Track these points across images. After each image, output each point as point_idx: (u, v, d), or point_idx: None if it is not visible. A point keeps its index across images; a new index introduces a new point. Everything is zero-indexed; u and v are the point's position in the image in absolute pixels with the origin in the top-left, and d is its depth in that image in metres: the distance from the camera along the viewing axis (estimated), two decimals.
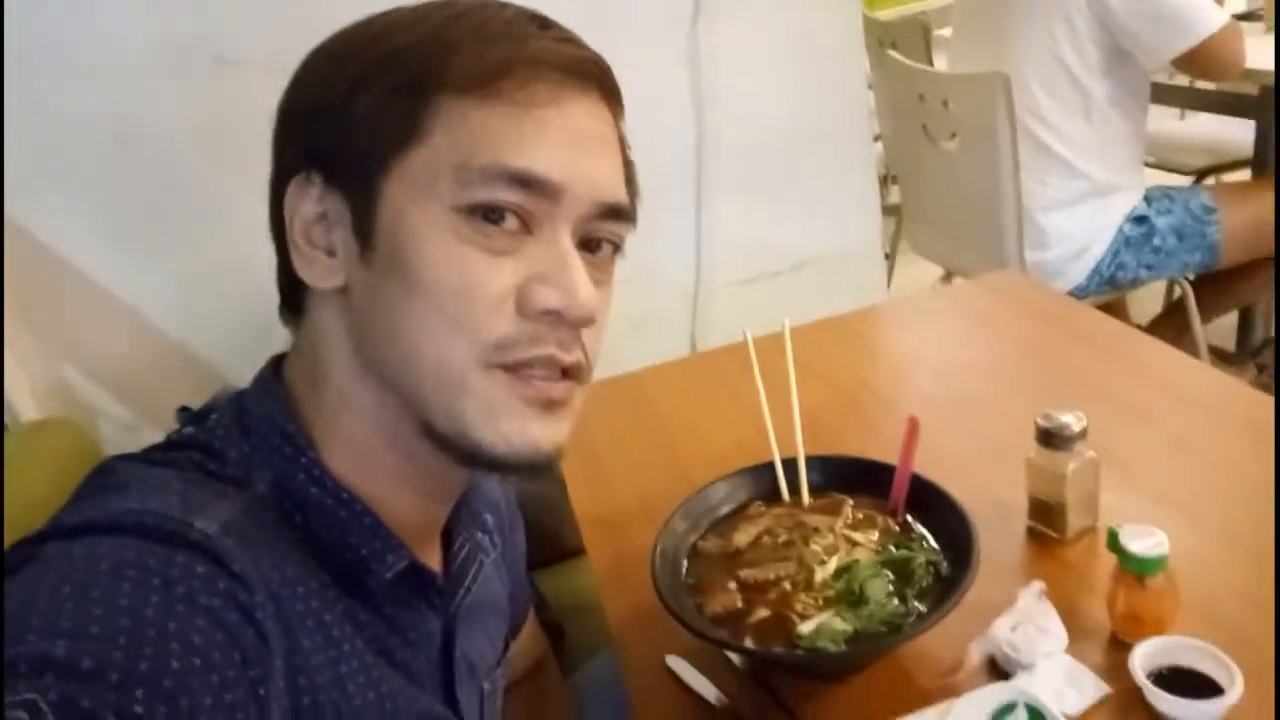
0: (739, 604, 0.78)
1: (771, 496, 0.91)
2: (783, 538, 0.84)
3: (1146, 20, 1.82)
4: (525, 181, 0.53)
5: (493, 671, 0.75)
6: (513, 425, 0.55)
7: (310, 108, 0.57)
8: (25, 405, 1.28)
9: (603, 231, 0.59)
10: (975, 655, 0.75)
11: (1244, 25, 1.92)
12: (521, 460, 0.56)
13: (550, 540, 1.33)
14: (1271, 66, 1.93)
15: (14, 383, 1.27)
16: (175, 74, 1.33)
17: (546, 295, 0.54)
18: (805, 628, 0.74)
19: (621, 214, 0.59)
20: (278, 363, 0.63)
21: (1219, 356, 2.37)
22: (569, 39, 0.58)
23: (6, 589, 0.44)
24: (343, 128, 0.55)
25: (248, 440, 0.58)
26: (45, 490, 1.01)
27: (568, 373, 0.57)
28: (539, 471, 0.57)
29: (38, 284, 1.37)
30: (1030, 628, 0.75)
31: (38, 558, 0.46)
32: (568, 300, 0.54)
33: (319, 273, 0.57)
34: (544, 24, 0.58)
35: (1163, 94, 2.54)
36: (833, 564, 0.80)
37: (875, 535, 0.83)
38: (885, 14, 3.79)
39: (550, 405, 0.56)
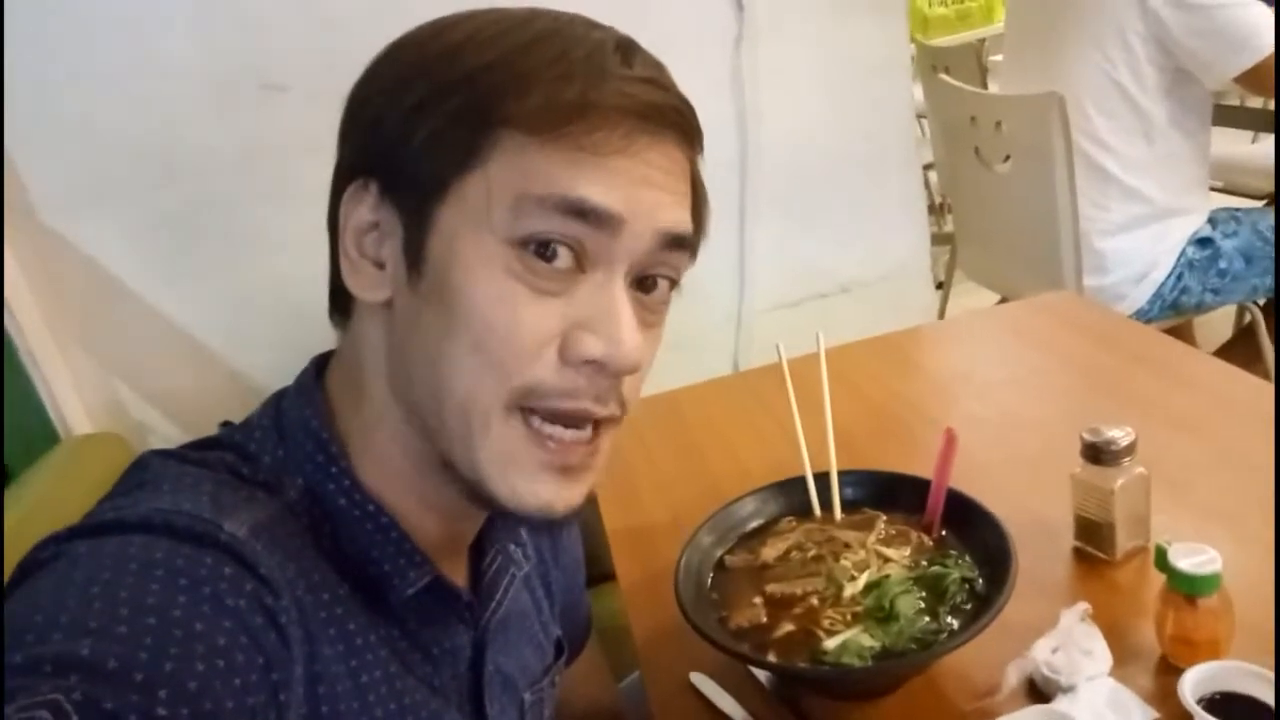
0: (764, 619, 0.76)
1: (802, 512, 0.88)
2: (812, 552, 0.82)
3: (1206, 38, 1.77)
4: (583, 212, 0.51)
5: (537, 682, 0.74)
6: (525, 484, 0.53)
7: (376, 114, 0.55)
8: (78, 419, 1.32)
9: (661, 265, 0.56)
10: (1013, 677, 0.72)
11: None
12: (532, 518, 0.54)
13: (586, 562, 1.31)
14: None
15: (66, 396, 1.31)
16: (222, 99, 1.37)
17: (591, 344, 0.52)
18: (831, 643, 0.71)
19: (684, 243, 0.56)
20: (321, 362, 0.62)
21: None
22: (651, 78, 0.54)
23: (33, 584, 0.44)
24: (404, 144, 0.53)
25: (282, 444, 0.58)
26: (88, 501, 1.03)
27: (599, 423, 0.55)
28: (551, 527, 0.56)
29: (90, 301, 1.41)
30: (1073, 649, 0.71)
31: (67, 554, 0.46)
32: (612, 350, 0.52)
33: (365, 284, 0.56)
34: (627, 56, 0.54)
35: (1233, 116, 2.46)
36: (863, 580, 0.77)
37: (908, 551, 0.80)
38: (940, 41, 3.76)
39: (566, 470, 0.54)
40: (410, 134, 0.52)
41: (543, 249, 0.51)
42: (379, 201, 0.55)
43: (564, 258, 0.52)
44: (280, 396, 0.61)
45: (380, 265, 0.56)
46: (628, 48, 0.54)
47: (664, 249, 0.55)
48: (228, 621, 0.44)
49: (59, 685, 0.38)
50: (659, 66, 0.56)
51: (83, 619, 0.41)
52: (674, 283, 0.58)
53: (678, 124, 0.55)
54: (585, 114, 0.51)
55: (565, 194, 0.50)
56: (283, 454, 0.57)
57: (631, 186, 0.52)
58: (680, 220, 0.55)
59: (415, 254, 0.53)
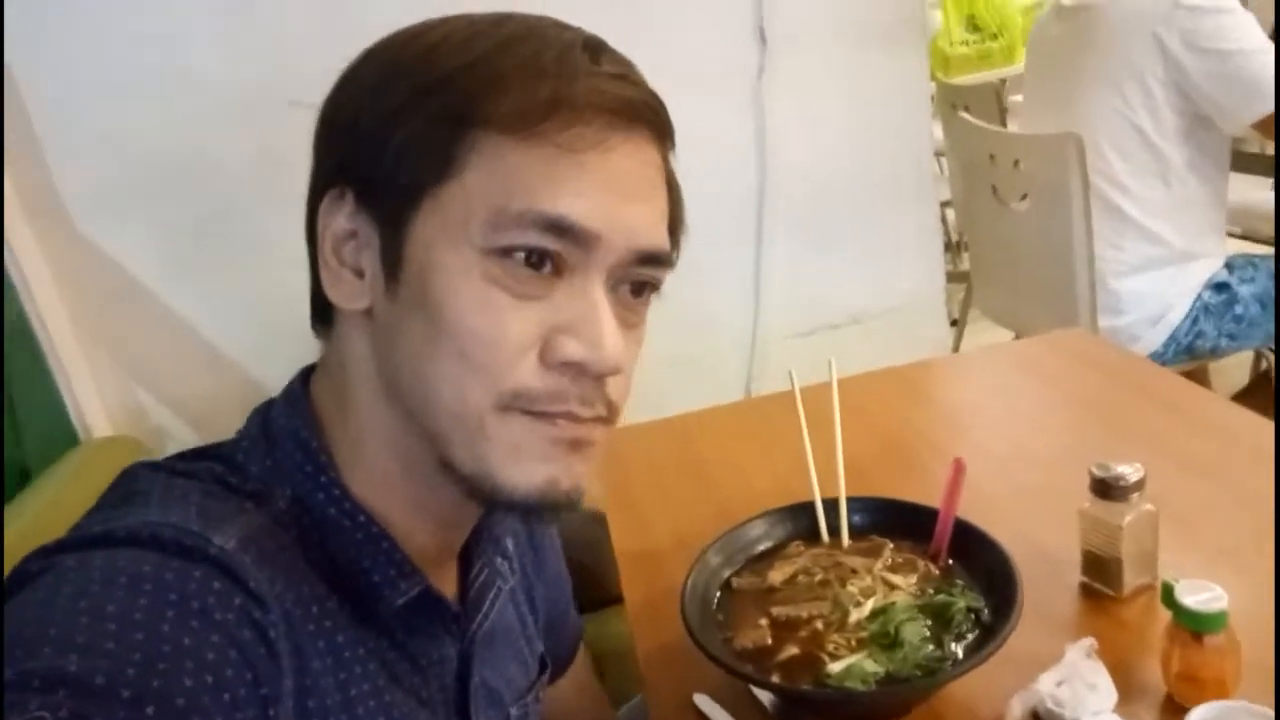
0: (768, 640, 0.76)
1: (810, 537, 0.89)
2: (819, 577, 0.82)
3: (1225, 84, 1.78)
4: (561, 229, 0.51)
5: (522, 698, 0.74)
6: (535, 466, 0.54)
7: (350, 122, 0.55)
8: (98, 422, 1.33)
9: (639, 275, 0.57)
10: (1017, 709, 0.71)
11: None
12: (541, 501, 0.54)
13: (594, 585, 1.31)
14: None
15: (88, 400, 1.33)
16: (252, 114, 1.40)
17: (571, 347, 0.52)
18: (835, 667, 0.71)
19: (660, 259, 0.57)
20: (308, 374, 0.62)
21: None
22: (621, 75, 0.55)
23: (22, 597, 0.44)
24: (379, 152, 0.53)
25: (270, 454, 0.58)
26: None
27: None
28: (558, 513, 0.56)
29: (116, 307, 1.44)
30: (1077, 683, 0.71)
31: (55, 568, 0.45)
32: (593, 353, 0.52)
33: (345, 293, 0.56)
34: (596, 54, 0.55)
35: (1253, 163, 2.46)
36: (868, 606, 0.77)
37: (914, 579, 0.80)
38: (961, 79, 3.78)
39: (576, 444, 0.55)
40: (385, 140, 0.53)
41: (521, 255, 0.52)
42: (356, 210, 0.55)
43: (542, 264, 0.52)
44: (268, 406, 0.61)
45: (360, 274, 0.56)
46: (596, 47, 0.55)
47: (641, 264, 0.56)
48: (216, 636, 0.44)
49: (46, 702, 0.38)
50: (628, 64, 0.56)
51: (70, 634, 0.41)
52: (654, 287, 0.59)
53: (650, 120, 0.56)
54: (559, 111, 0.51)
55: (544, 211, 0.51)
56: (271, 464, 0.57)
57: (607, 195, 0.53)
58: (656, 237, 0.56)
59: (393, 263, 0.54)
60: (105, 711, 0.39)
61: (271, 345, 1.49)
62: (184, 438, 1.50)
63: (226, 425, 0.67)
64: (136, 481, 0.55)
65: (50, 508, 1.08)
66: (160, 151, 1.39)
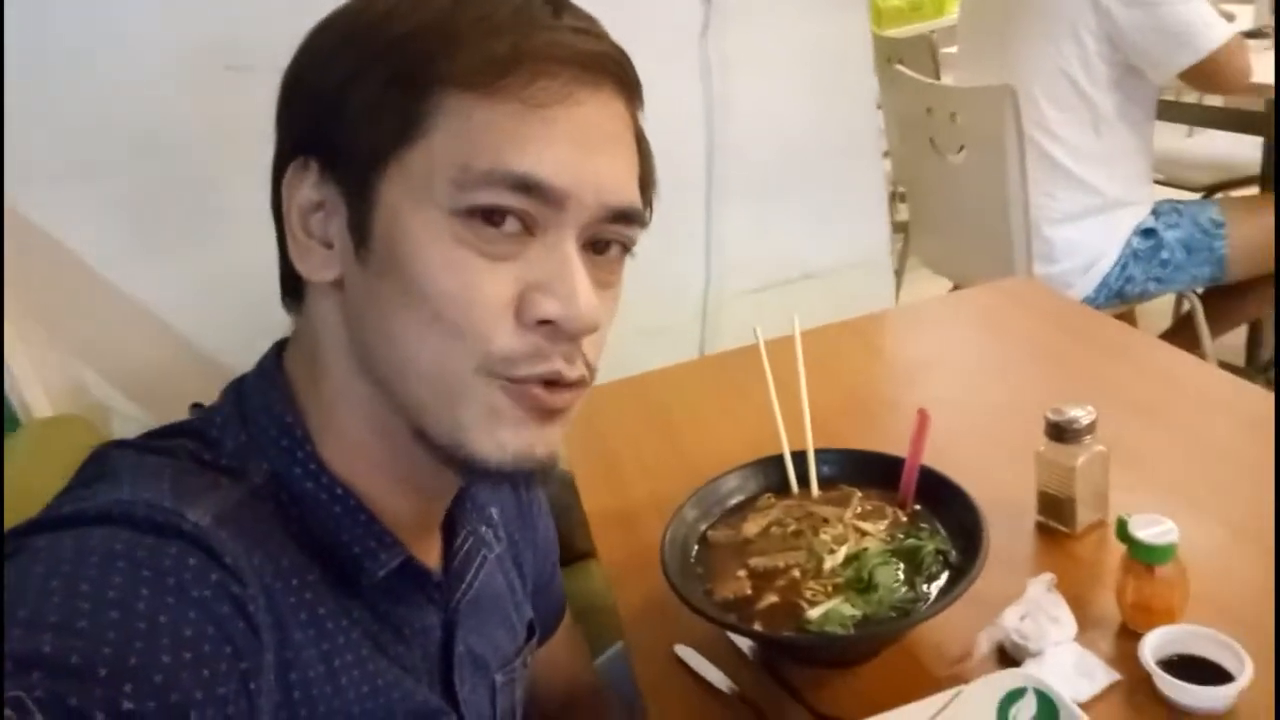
0: (748, 590, 0.79)
1: (781, 488, 0.91)
2: (792, 527, 0.85)
3: (1154, 35, 1.83)
4: (528, 187, 0.51)
5: (509, 664, 0.74)
6: (509, 434, 0.54)
7: (310, 91, 0.55)
8: (39, 402, 1.29)
9: (611, 234, 0.56)
10: (984, 644, 0.75)
11: (1250, 42, 1.93)
12: (515, 468, 0.55)
13: (562, 546, 1.33)
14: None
15: (27, 379, 1.28)
16: (189, 80, 1.36)
17: (546, 305, 0.52)
18: (814, 613, 0.74)
19: (631, 217, 0.56)
20: (281, 347, 0.62)
21: (1228, 371, 2.36)
22: (584, 28, 0.54)
23: None
24: (340, 118, 0.52)
25: (245, 429, 0.57)
26: (51, 486, 1.01)
27: (570, 385, 0.55)
28: (532, 479, 0.56)
29: (55, 283, 1.39)
30: (1040, 616, 0.75)
31: (25, 550, 0.45)
32: (568, 310, 0.52)
33: (315, 265, 0.56)
34: (558, 9, 0.54)
35: (1171, 111, 2.55)
36: (842, 552, 0.80)
37: (884, 525, 0.83)
38: (893, 32, 3.81)
39: (549, 415, 0.55)
40: (344, 106, 0.52)
41: (490, 216, 0.51)
42: (320, 179, 0.54)
43: (511, 223, 0.52)
44: (240, 382, 0.61)
45: (328, 245, 0.55)
46: (557, 2, 0.54)
47: (611, 221, 0.55)
48: (193, 612, 0.44)
49: (21, 683, 0.37)
50: (591, 19, 0.56)
51: (43, 615, 0.40)
52: (626, 247, 0.58)
53: (616, 74, 0.55)
54: (521, 65, 0.50)
55: (510, 169, 0.50)
56: (246, 439, 0.57)
57: (575, 150, 0.52)
58: (627, 193, 0.56)
59: (361, 231, 0.53)
60: (82, 690, 0.38)
61: (222, 316, 1.46)
62: (130, 413, 1.46)
63: (177, 399, 0.65)
64: (107, 460, 0.54)
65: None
66: (94, 119, 1.34)
